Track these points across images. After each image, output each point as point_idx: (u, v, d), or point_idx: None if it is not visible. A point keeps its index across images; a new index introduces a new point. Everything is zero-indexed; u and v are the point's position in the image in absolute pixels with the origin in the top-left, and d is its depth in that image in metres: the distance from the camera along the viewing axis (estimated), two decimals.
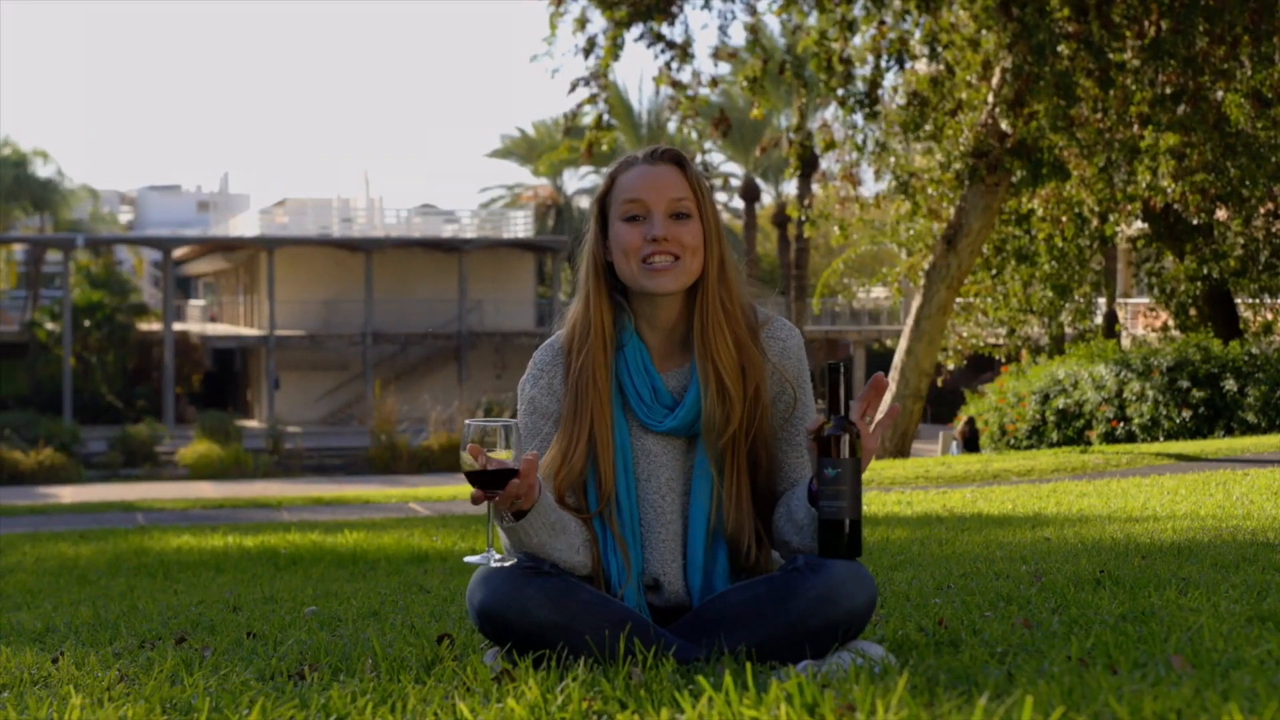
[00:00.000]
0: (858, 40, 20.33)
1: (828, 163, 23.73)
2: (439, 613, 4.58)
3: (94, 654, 3.71)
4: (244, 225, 58.63)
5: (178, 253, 55.99)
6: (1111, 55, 17.88)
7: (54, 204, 59.16)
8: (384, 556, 8.40)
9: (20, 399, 50.56)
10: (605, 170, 3.55)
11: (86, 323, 51.66)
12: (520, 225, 54.05)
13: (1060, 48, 17.74)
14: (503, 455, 3.02)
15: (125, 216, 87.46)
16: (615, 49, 19.63)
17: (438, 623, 4.20)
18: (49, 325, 52.53)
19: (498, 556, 3.14)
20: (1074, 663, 2.75)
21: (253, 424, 47.75)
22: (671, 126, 21.70)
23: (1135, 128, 18.78)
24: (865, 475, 15.01)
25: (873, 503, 11.71)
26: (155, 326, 54.21)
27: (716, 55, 21.00)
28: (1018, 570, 5.04)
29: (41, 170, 59.22)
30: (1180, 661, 2.64)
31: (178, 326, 54.43)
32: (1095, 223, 21.73)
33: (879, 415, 3.35)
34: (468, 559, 3.17)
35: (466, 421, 3.06)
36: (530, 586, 3.15)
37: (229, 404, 54.40)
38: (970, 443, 24.25)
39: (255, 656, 3.51)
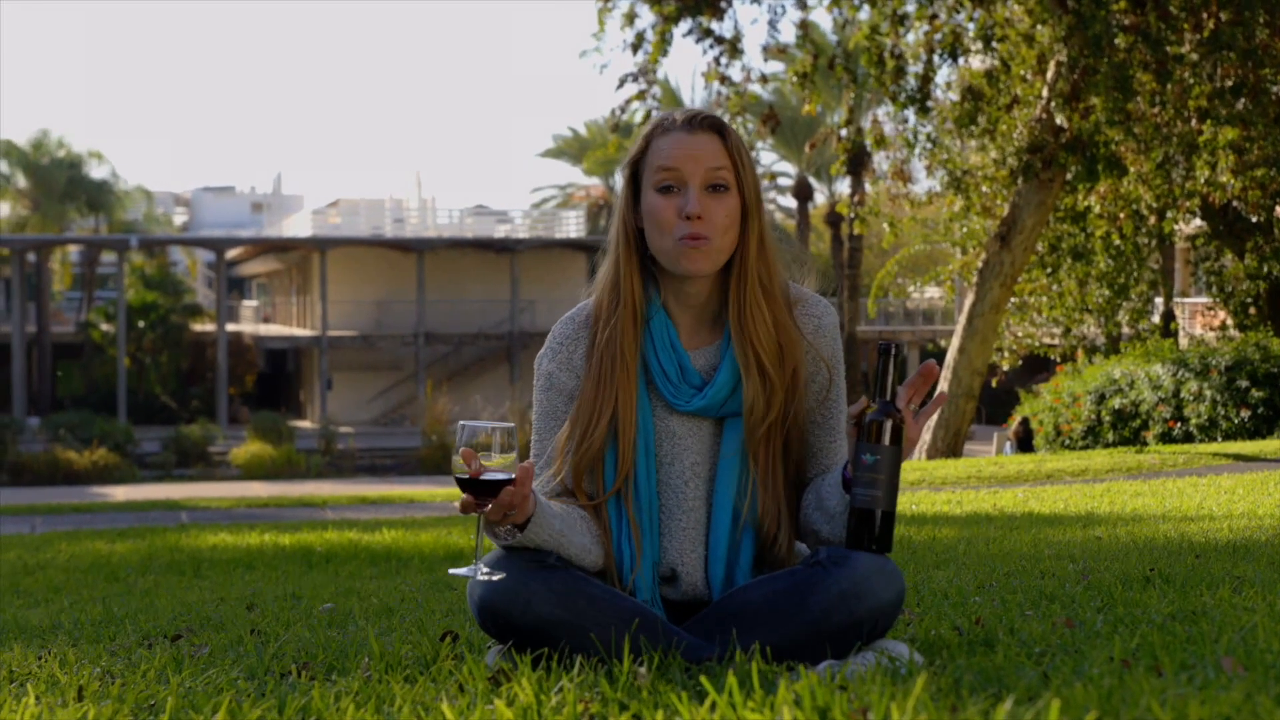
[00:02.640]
0: (911, 37, 20.09)
1: (880, 160, 23.47)
2: (455, 609, 4.39)
3: (87, 651, 3.56)
4: (297, 226, 58.74)
5: (231, 253, 56.20)
6: (1169, 48, 17.57)
7: (108, 205, 59.35)
8: (418, 554, 8.24)
9: (75, 399, 50.88)
10: (641, 130, 3.29)
11: (141, 323, 51.88)
12: (572, 225, 53.95)
13: (1117, 40, 17.45)
14: (498, 461, 2.79)
15: (180, 218, 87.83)
16: (663, 44, 19.45)
17: (450, 619, 4.01)
18: (104, 326, 52.78)
19: (485, 569, 2.92)
20: (1116, 664, 2.54)
21: (305, 424, 47.81)
22: None
23: (1194, 122, 18.44)
24: (917, 474, 14.73)
25: (922, 502, 11.50)
26: (209, 327, 54.38)
27: (766, 51, 20.79)
28: (1064, 569, 4.81)
29: (96, 171, 59.48)
30: (1231, 663, 2.42)
31: (231, 327, 54.60)
32: (1153, 220, 21.38)
33: (926, 405, 3.12)
34: (453, 570, 2.95)
35: (459, 423, 2.82)
36: (534, 580, 2.94)
37: (282, 404, 54.53)
38: (1024, 443, 23.93)
39: (245, 655, 3.34)
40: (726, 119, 14.53)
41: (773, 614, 2.92)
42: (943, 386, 21.13)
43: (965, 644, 3.03)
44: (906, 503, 11.44)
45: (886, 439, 2.94)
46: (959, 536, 7.48)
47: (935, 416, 21.63)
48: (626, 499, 3.17)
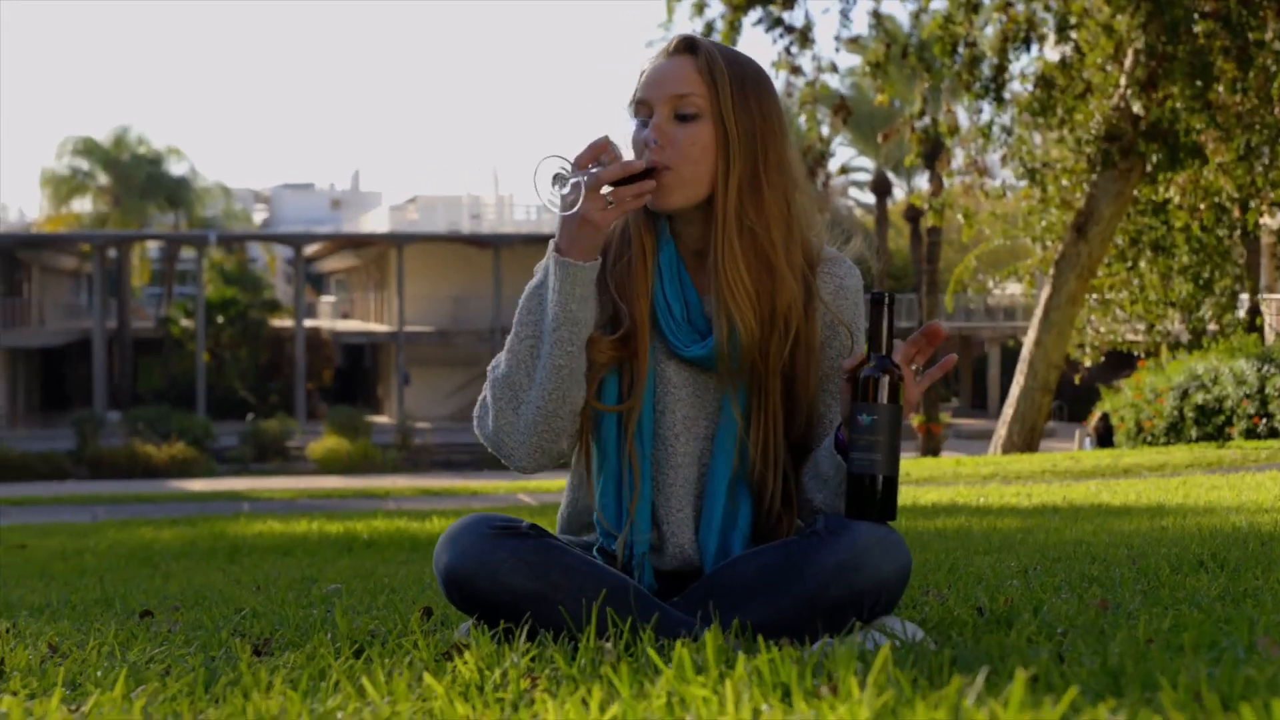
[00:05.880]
0: (989, 30, 19.74)
1: (959, 154, 23.06)
2: None
3: (55, 627, 3.36)
4: (375, 222, 59.03)
5: (309, 250, 56.39)
6: (1251, 33, 17.14)
7: (188, 201, 59.83)
8: None
9: (155, 394, 51.27)
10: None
11: (220, 319, 52.21)
12: None
13: (1196, 27, 17.04)
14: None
15: (260, 215, 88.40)
16: (733, 34, 19.21)
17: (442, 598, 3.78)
18: (183, 321, 53.20)
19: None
20: (1140, 644, 2.27)
21: (383, 420, 47.92)
22: (802, 120, 21.16)
23: (1276, 110, 17.99)
24: (990, 468, 14.31)
25: (990, 495, 11.17)
26: (287, 323, 54.66)
27: (839, 41, 20.53)
28: (1117, 554, 4.51)
29: (175, 168, 59.96)
30: (1266, 643, 2.14)
31: (309, 323, 54.82)
32: (1236, 212, 20.88)
33: (932, 368, 2.83)
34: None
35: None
36: (502, 549, 2.67)
37: (359, 400, 54.72)
38: (1104, 439, 23.47)
39: (202, 630, 3.12)
40: (798, 107, 13.86)
41: (765, 587, 2.64)
42: (1019, 380, 20.75)
43: (984, 624, 2.75)
44: (974, 496, 11.13)
45: (884, 396, 2.65)
46: (1020, 526, 7.19)
47: (1011, 410, 21.31)
48: (629, 429, 2.89)
